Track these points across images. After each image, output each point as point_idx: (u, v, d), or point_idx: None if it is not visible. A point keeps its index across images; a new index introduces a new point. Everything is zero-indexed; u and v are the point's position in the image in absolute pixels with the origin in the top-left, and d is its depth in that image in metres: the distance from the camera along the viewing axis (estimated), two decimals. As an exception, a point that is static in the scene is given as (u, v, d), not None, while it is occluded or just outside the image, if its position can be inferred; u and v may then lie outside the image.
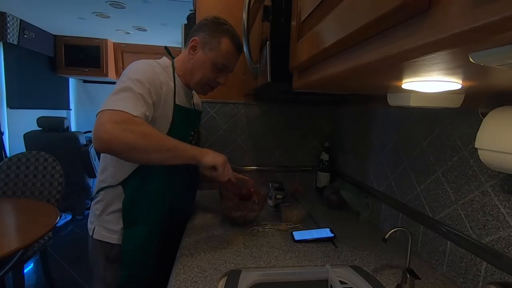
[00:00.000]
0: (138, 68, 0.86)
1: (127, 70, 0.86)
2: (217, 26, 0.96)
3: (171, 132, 0.91)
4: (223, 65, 0.98)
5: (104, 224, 0.95)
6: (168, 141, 0.81)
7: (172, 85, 0.95)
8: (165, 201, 0.97)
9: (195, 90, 1.06)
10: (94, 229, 0.96)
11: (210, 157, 0.87)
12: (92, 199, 1.01)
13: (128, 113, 0.76)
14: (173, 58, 1.02)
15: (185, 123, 0.98)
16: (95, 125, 0.74)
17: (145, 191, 0.93)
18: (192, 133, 1.03)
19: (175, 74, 0.98)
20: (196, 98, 1.19)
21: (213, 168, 0.88)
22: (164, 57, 1.02)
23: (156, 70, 0.89)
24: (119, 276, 0.94)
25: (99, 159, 3.45)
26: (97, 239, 0.95)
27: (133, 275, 0.94)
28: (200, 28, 0.97)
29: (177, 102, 0.95)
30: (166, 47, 1.08)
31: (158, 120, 0.89)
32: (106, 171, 0.94)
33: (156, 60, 0.96)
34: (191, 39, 0.98)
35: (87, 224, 1.01)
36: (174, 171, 0.94)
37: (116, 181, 0.92)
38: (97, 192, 0.97)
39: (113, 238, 0.94)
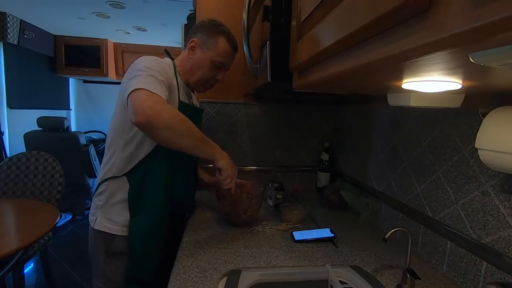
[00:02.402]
0: (152, 61, 0.91)
1: (141, 61, 0.90)
2: (214, 27, 1.03)
3: None
4: (220, 63, 1.04)
5: (107, 215, 0.97)
6: (199, 132, 0.88)
7: (176, 82, 0.99)
8: (167, 192, 0.99)
9: (195, 89, 1.10)
10: (95, 220, 0.98)
11: (224, 163, 0.93)
12: (92, 199, 1.03)
13: (162, 97, 0.82)
14: (173, 59, 1.07)
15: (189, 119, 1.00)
16: (136, 100, 0.79)
17: (149, 181, 0.95)
18: None
19: (177, 73, 1.03)
20: (195, 99, 1.21)
21: (219, 172, 0.94)
22: (165, 57, 1.06)
23: (164, 66, 0.94)
24: (127, 266, 0.96)
25: (99, 159, 3.45)
26: (98, 230, 0.97)
27: (139, 264, 0.96)
28: (198, 30, 1.04)
29: (181, 99, 0.99)
30: (166, 50, 1.12)
31: None
32: (111, 162, 0.96)
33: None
34: (190, 40, 1.03)
35: (87, 224, 1.02)
36: (176, 163, 0.98)
37: (121, 171, 0.95)
38: (100, 183, 0.98)
39: (115, 229, 0.96)
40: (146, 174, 0.95)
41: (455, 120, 0.78)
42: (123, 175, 0.95)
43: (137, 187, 0.95)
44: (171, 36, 3.39)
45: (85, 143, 3.17)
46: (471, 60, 0.26)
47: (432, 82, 0.44)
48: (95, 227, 0.97)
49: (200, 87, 1.08)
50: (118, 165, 0.95)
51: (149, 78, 0.83)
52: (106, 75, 3.85)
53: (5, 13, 2.77)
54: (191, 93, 1.16)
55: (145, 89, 0.80)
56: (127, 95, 0.81)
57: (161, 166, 0.96)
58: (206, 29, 1.02)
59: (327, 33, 0.47)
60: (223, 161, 0.93)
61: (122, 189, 0.95)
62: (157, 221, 0.98)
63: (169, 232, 1.05)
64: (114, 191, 0.96)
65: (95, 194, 1.00)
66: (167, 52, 1.10)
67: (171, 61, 1.04)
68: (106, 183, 0.97)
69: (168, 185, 0.98)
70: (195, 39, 1.02)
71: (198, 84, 1.06)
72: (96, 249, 0.99)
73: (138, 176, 0.95)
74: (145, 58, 0.91)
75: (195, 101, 1.20)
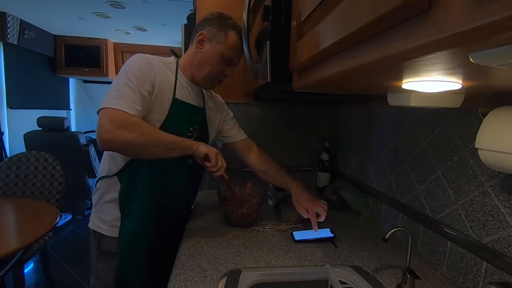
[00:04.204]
0: (133, 62, 0.90)
1: (125, 64, 0.91)
2: (223, 20, 0.99)
3: (166, 124, 0.93)
4: (230, 58, 1.00)
5: (98, 214, 0.99)
6: (165, 136, 0.87)
7: (173, 79, 0.97)
8: (154, 194, 0.97)
9: (203, 85, 1.05)
10: (91, 218, 1.01)
11: (204, 147, 0.92)
12: (91, 198, 1.06)
13: (126, 112, 0.81)
14: (178, 57, 1.05)
15: (184, 117, 0.99)
16: (97, 126, 0.81)
17: (136, 183, 0.95)
18: (191, 129, 1.02)
19: (178, 70, 1.00)
20: (214, 98, 1.18)
21: (206, 158, 0.92)
22: (172, 56, 1.05)
23: (150, 62, 0.92)
24: (115, 269, 0.96)
25: (99, 159, 3.45)
26: (92, 229, 1.00)
27: (125, 267, 0.96)
28: (207, 23, 0.99)
29: (177, 97, 0.96)
30: (171, 50, 1.10)
31: (154, 109, 0.92)
32: (105, 161, 0.99)
33: (159, 57, 0.98)
34: (198, 33, 0.99)
35: (87, 224, 1.04)
36: (167, 164, 0.95)
37: (111, 171, 0.96)
38: (96, 182, 1.01)
39: (104, 228, 0.97)
40: (135, 175, 0.94)
41: (455, 120, 0.78)
42: (114, 174, 0.95)
43: (127, 188, 0.95)
44: (171, 36, 3.39)
45: (85, 143, 3.17)
46: (471, 60, 0.26)
47: (432, 82, 0.44)
48: (89, 226, 1.01)
49: (208, 83, 1.03)
50: (109, 164, 0.97)
51: (121, 89, 0.83)
52: (106, 75, 3.85)
53: (5, 13, 2.78)
54: (203, 91, 1.11)
55: (108, 108, 0.81)
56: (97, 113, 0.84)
57: (150, 168, 0.94)
58: (215, 22, 0.98)
59: (327, 33, 0.47)
60: (201, 146, 0.92)
61: (113, 189, 0.96)
62: (143, 224, 0.96)
63: (158, 237, 1.02)
64: (106, 190, 0.97)
65: (93, 193, 1.03)
66: (173, 52, 1.07)
67: (174, 59, 1.02)
68: (100, 181, 0.99)
69: (157, 187, 0.97)
70: (203, 32, 0.98)
71: (207, 79, 1.01)
72: (92, 247, 1.01)
73: (128, 177, 0.95)
74: (131, 60, 0.90)
75: (215, 100, 1.17)
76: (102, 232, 0.97)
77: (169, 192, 1.01)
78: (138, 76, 0.86)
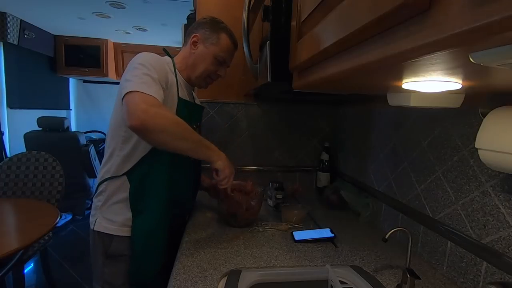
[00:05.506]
0: (149, 56, 0.91)
1: (137, 59, 0.90)
2: (215, 24, 1.05)
3: None
4: (223, 59, 1.05)
5: (105, 215, 0.96)
6: (194, 134, 0.88)
7: (175, 79, 0.99)
8: (168, 192, 0.98)
9: (196, 84, 1.10)
10: (95, 221, 0.97)
11: (221, 164, 0.93)
12: (92, 199, 1.03)
13: (156, 98, 0.81)
14: (172, 57, 1.07)
15: (188, 116, 1.00)
16: (130, 104, 0.79)
17: (149, 181, 0.95)
18: (194, 126, 1.04)
19: (176, 70, 1.03)
20: (196, 97, 1.21)
21: (216, 173, 0.94)
22: (165, 56, 1.07)
23: (161, 60, 0.96)
24: (129, 268, 0.95)
25: (99, 159, 3.45)
26: (97, 231, 0.97)
27: (142, 266, 0.95)
28: (200, 26, 1.05)
29: (181, 96, 0.99)
30: (164, 49, 1.13)
31: (166, 106, 0.92)
32: (110, 161, 0.96)
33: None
34: (192, 36, 1.05)
35: (87, 224, 1.02)
36: (176, 161, 0.97)
37: (120, 171, 0.94)
38: (100, 183, 0.98)
39: (113, 229, 0.95)
40: (147, 173, 0.94)
41: (455, 120, 0.78)
42: (122, 174, 0.94)
43: (138, 187, 0.94)
44: (171, 36, 3.39)
45: (85, 143, 3.17)
46: (471, 60, 0.26)
47: (432, 82, 0.44)
48: (94, 229, 0.97)
49: (202, 82, 1.08)
50: (117, 164, 0.94)
51: (144, 78, 0.83)
52: (106, 75, 3.86)
53: (5, 13, 2.78)
54: (192, 91, 1.16)
55: (139, 92, 0.79)
56: (122, 97, 0.81)
57: (162, 165, 0.95)
58: (208, 25, 1.04)
59: (327, 33, 0.47)
60: (220, 162, 0.93)
61: (122, 189, 0.94)
62: (160, 221, 0.97)
63: (171, 234, 1.03)
64: (113, 191, 0.95)
65: (95, 195, 1.00)
66: (166, 51, 1.11)
67: (170, 59, 1.05)
68: (105, 183, 0.96)
69: (169, 184, 0.97)
70: (197, 34, 1.04)
71: (200, 78, 1.06)
72: (95, 251, 0.98)
73: (138, 175, 0.93)
74: (142, 55, 0.91)
75: (197, 99, 1.21)
76: (112, 233, 0.95)
77: (178, 188, 1.02)
78: (156, 69, 0.88)
